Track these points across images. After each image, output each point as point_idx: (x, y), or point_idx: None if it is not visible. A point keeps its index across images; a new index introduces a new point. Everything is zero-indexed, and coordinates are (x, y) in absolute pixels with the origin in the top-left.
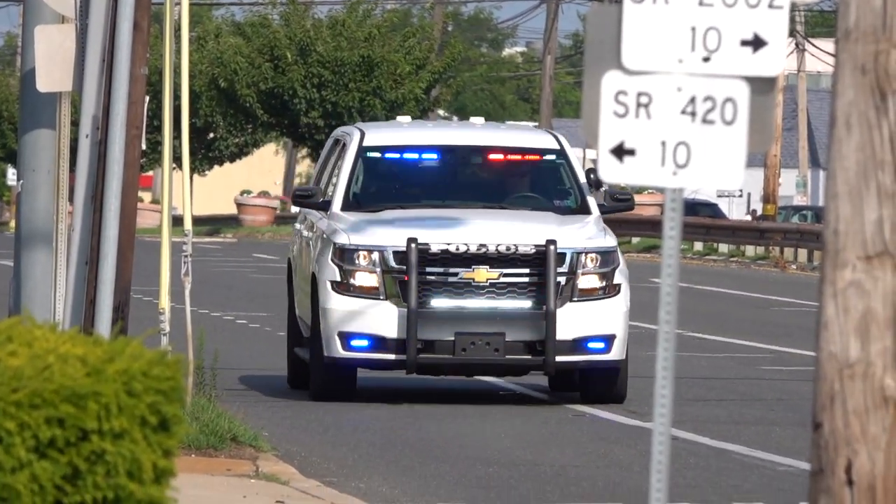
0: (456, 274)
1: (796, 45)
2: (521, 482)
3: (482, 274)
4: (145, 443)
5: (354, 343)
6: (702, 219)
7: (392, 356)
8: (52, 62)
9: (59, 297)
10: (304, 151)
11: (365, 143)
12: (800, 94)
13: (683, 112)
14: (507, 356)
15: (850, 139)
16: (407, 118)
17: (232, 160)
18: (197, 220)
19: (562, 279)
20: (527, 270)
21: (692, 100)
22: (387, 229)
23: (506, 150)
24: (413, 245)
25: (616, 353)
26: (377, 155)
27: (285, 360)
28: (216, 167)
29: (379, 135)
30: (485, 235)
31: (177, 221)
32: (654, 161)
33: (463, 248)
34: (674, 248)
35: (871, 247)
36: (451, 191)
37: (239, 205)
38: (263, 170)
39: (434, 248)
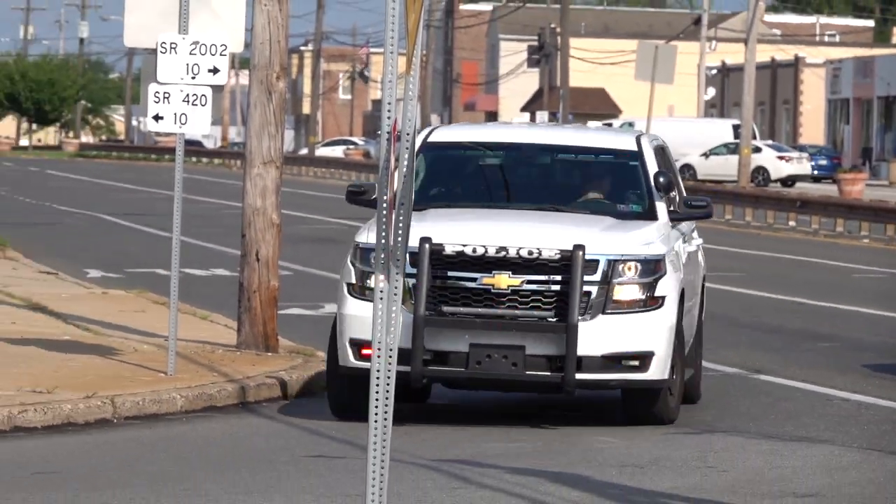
0: (474, 279)
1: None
2: None
3: (503, 280)
4: None
5: (366, 352)
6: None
7: (401, 367)
8: None
9: None
10: None
11: (430, 140)
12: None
13: (184, 101)
14: (526, 372)
15: (256, 111)
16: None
17: None
18: None
19: (592, 289)
20: (552, 278)
21: (188, 95)
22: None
23: (575, 150)
24: (426, 245)
25: (655, 372)
26: (438, 152)
27: None
28: None
29: (445, 132)
30: (506, 238)
31: None
32: (172, 121)
33: (480, 251)
34: (180, 164)
35: (265, 158)
36: (509, 192)
37: None
38: None
39: (448, 250)
